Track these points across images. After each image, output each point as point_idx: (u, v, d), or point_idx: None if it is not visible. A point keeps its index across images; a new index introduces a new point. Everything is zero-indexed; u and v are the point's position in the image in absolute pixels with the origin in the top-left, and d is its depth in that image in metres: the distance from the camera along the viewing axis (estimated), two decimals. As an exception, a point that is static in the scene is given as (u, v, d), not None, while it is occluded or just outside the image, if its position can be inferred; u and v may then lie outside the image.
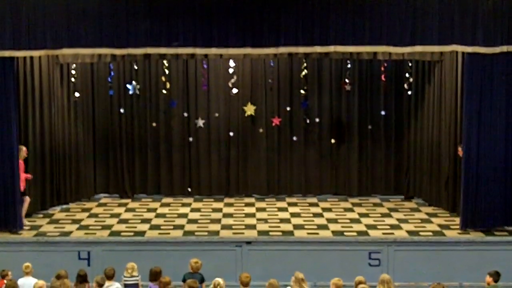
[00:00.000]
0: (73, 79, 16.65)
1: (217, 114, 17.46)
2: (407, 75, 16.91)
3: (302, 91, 17.24)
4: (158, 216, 15.71)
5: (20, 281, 11.03)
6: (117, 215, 15.79)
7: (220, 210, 16.29)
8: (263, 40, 13.76)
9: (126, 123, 17.40)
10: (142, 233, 14.24)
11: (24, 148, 14.70)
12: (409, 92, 17.07)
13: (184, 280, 11.16)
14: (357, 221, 15.19)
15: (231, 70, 16.94)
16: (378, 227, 14.65)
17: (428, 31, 13.63)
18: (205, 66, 16.97)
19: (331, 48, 13.89)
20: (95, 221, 15.19)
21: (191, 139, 17.49)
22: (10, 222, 14.03)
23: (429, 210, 15.99)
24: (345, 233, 14.23)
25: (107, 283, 10.92)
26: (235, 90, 17.06)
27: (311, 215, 15.75)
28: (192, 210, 16.29)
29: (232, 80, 16.99)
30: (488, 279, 10.95)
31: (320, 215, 15.70)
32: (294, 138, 17.48)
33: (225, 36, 13.73)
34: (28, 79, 15.29)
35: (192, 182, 17.56)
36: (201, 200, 17.21)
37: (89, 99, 17.26)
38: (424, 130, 16.73)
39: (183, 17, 13.68)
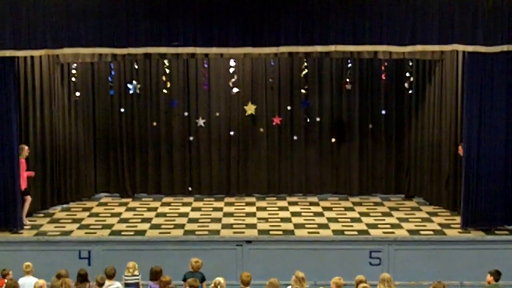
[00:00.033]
0: (73, 79, 16.66)
1: (217, 114, 17.47)
2: (407, 74, 16.90)
3: (302, 91, 17.24)
4: (158, 215, 15.72)
5: (21, 281, 11.03)
6: (118, 214, 15.79)
7: (220, 209, 16.29)
8: (263, 39, 13.76)
9: (127, 122, 17.41)
10: (142, 233, 14.25)
11: (26, 147, 14.71)
12: (410, 92, 17.07)
13: (184, 279, 11.18)
14: (357, 220, 15.19)
15: (231, 70, 16.93)
16: (379, 226, 14.65)
17: (428, 31, 13.63)
18: (205, 65, 16.96)
19: (332, 48, 13.89)
20: (96, 221, 15.19)
21: (191, 138, 17.51)
22: (10, 221, 14.03)
23: (429, 209, 15.99)
24: (345, 232, 14.23)
25: (108, 282, 10.94)
26: (235, 90, 17.05)
27: (312, 214, 15.75)
28: (193, 209, 16.29)
29: (233, 80, 16.98)
30: (489, 278, 10.95)
31: (320, 214, 15.70)
32: (295, 138, 17.49)
33: (226, 35, 13.73)
34: (29, 78, 15.30)
35: (192, 181, 17.57)
36: (202, 199, 17.22)
37: (89, 99, 17.28)
38: (425, 129, 16.73)
39: (183, 16, 13.68)
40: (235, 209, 16.29)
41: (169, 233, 14.25)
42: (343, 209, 16.23)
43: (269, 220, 15.25)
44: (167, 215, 15.73)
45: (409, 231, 14.26)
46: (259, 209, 16.27)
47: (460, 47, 13.89)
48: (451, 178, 15.58)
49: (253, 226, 14.76)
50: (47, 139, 15.90)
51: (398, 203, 16.78)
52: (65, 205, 16.40)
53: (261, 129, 17.47)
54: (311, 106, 17.40)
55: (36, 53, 14.10)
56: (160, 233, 14.25)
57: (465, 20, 13.57)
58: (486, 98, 13.87)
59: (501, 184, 14.04)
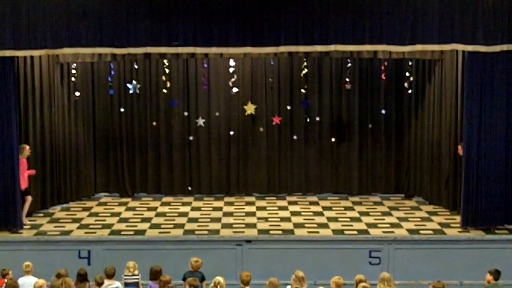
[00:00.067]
0: (73, 79, 16.66)
1: (217, 113, 17.47)
2: (407, 74, 16.90)
3: (302, 90, 17.24)
4: (158, 215, 15.72)
5: (21, 280, 11.04)
6: (118, 214, 15.79)
7: (220, 209, 16.29)
8: (263, 39, 13.76)
9: (127, 122, 17.42)
10: (142, 232, 14.24)
11: (27, 147, 14.71)
12: (410, 91, 17.07)
13: (184, 279, 11.19)
14: (357, 219, 15.19)
15: (231, 69, 16.93)
16: (379, 225, 14.65)
17: (428, 30, 13.63)
18: (205, 65, 16.96)
19: (332, 47, 13.89)
20: (96, 220, 15.19)
21: (191, 138, 17.51)
22: (10, 221, 14.03)
23: (429, 209, 15.99)
24: (345, 232, 14.23)
25: (107, 282, 10.94)
26: (235, 89, 17.04)
27: (312, 213, 15.75)
28: (193, 209, 16.29)
29: (233, 79, 16.98)
30: (489, 277, 10.96)
31: (320, 214, 15.71)
32: (295, 137, 17.49)
33: (225, 35, 13.73)
34: (29, 78, 15.29)
35: (192, 181, 17.57)
36: (202, 199, 17.22)
37: (89, 99, 17.28)
38: (425, 128, 16.73)
39: (183, 16, 13.68)
40: (235, 208, 16.30)
41: (169, 232, 14.25)
42: (342, 208, 16.23)
43: (269, 219, 15.25)
44: (167, 214, 15.73)
45: (409, 230, 14.27)
46: (259, 208, 16.27)
47: (460, 47, 13.89)
48: (451, 177, 15.59)
49: (252, 225, 14.76)
50: (47, 139, 15.90)
51: (397, 202, 16.78)
52: (64, 205, 16.40)
53: (261, 129, 17.47)
54: (310, 106, 17.40)
55: (36, 53, 14.10)
56: (160, 232, 14.25)
57: (465, 20, 13.58)
58: (486, 97, 13.87)
59: (501, 183, 14.04)
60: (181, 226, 14.72)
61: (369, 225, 14.69)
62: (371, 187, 17.55)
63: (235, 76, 16.99)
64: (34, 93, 15.49)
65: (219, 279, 10.17)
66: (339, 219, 15.22)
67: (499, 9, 13.62)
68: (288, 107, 17.45)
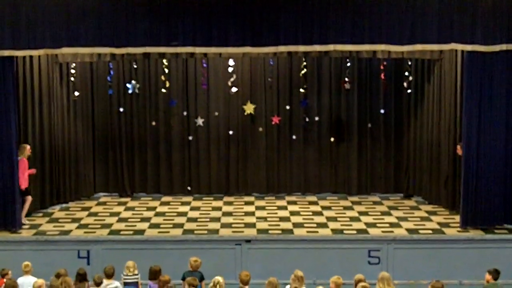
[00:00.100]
0: (72, 78, 16.66)
1: (216, 113, 17.47)
2: (406, 73, 16.90)
3: (301, 90, 17.23)
4: (157, 214, 15.72)
5: (20, 280, 11.04)
6: (117, 213, 15.79)
7: (219, 208, 16.29)
8: (262, 39, 13.76)
9: (126, 122, 17.41)
10: (141, 232, 14.24)
11: (28, 147, 14.71)
12: (409, 91, 17.06)
13: (183, 279, 11.19)
14: (356, 219, 15.19)
15: (230, 69, 16.92)
16: (378, 225, 14.66)
17: (427, 30, 13.63)
18: (204, 65, 16.95)
19: (331, 47, 13.89)
20: (95, 220, 15.19)
21: (190, 138, 17.50)
22: (9, 221, 14.03)
23: (428, 208, 15.99)
24: (344, 232, 14.24)
25: (106, 282, 10.95)
26: (234, 89, 17.04)
27: (311, 213, 15.76)
28: (192, 208, 16.29)
29: (232, 79, 16.97)
30: (488, 277, 10.97)
31: (319, 214, 15.71)
32: (294, 137, 17.49)
33: (225, 35, 13.73)
34: (28, 78, 15.29)
35: (191, 181, 17.57)
36: (201, 198, 17.22)
37: (88, 98, 17.27)
38: (424, 128, 16.74)
39: (182, 16, 13.68)
40: (234, 208, 16.30)
41: (168, 232, 14.26)
42: (342, 208, 16.24)
43: (268, 219, 15.25)
44: (166, 214, 15.73)
45: (408, 230, 14.27)
46: (258, 208, 16.27)
47: (459, 46, 13.89)
48: (450, 177, 15.59)
49: (252, 225, 14.76)
50: (46, 139, 15.89)
51: (397, 202, 16.79)
52: (64, 205, 16.39)
53: (260, 129, 17.47)
54: (310, 106, 17.40)
55: (35, 52, 14.10)
56: (159, 232, 14.25)
57: (464, 19, 13.58)
58: (485, 97, 13.87)
59: (500, 183, 14.05)
60: (181, 225, 14.72)
61: (368, 224, 14.69)
62: (370, 186, 17.55)
63: (234, 76, 16.98)
64: (33, 93, 15.49)
65: (218, 278, 10.17)
66: (339, 219, 15.22)
67: (498, 9, 13.62)
68: (287, 107, 17.45)
